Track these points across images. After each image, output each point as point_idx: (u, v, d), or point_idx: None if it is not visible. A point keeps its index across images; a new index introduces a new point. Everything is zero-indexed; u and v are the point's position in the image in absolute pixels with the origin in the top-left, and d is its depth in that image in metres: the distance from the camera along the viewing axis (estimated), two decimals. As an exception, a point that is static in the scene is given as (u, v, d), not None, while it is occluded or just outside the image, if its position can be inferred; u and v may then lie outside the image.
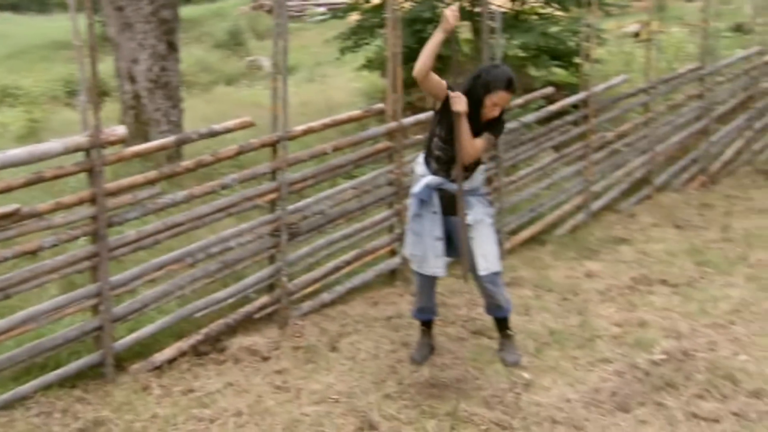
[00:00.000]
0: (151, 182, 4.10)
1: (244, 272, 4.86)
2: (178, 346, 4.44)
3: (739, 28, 14.53)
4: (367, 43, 10.68)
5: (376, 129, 5.41)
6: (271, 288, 4.93)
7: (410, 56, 9.41)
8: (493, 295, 4.26)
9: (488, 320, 4.93)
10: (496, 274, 4.22)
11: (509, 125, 6.12)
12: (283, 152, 4.66)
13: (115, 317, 4.14)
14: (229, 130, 4.45)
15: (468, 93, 4.03)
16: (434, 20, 9.73)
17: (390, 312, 5.11)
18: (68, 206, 3.87)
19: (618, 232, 6.77)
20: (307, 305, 5.08)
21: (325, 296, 5.19)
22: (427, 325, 4.58)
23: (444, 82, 4.03)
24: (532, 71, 10.11)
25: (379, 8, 10.26)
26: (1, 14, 35.68)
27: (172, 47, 8.74)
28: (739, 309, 5.07)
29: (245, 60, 23.18)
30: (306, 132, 4.82)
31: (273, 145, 4.67)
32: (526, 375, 4.25)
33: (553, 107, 6.65)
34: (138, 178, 4.07)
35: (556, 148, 7.12)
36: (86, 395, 4.03)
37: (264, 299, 4.87)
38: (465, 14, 9.87)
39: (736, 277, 5.68)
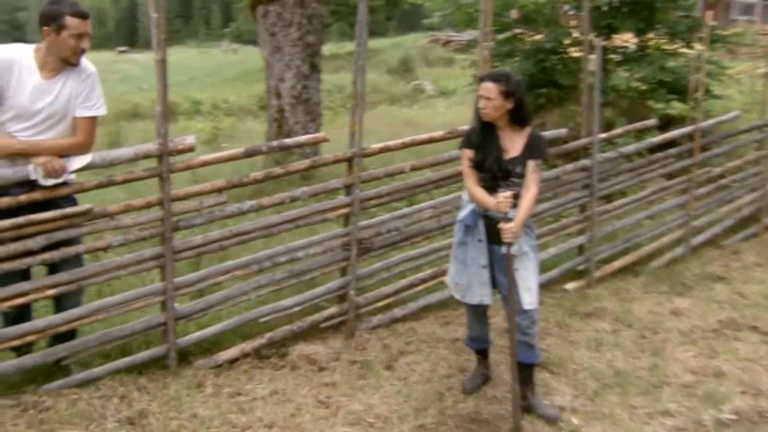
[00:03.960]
0: (218, 190, 3.66)
1: (315, 282, 4.33)
2: (242, 347, 3.99)
3: None
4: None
5: (457, 151, 4.68)
6: (341, 299, 4.37)
7: (531, 83, 8.64)
8: (530, 333, 3.43)
9: (555, 354, 4.12)
10: (536, 310, 3.42)
11: (606, 154, 5.22)
12: (357, 168, 4.08)
13: (178, 315, 3.75)
14: (299, 145, 3.93)
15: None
16: (557, 51, 8.82)
17: (459, 334, 4.40)
18: (137, 209, 3.50)
19: (716, 269, 5.61)
20: (377, 319, 4.48)
21: (397, 311, 4.57)
22: (482, 354, 3.84)
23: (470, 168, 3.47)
24: (652, 104, 8.88)
25: (510, 39, 9.47)
26: (179, 47, 41.10)
27: (315, 68, 8.44)
28: (838, 370, 3.91)
29: (411, 84, 22.80)
30: (382, 150, 4.21)
31: (348, 161, 4.10)
32: (574, 420, 3.42)
33: (655, 139, 5.60)
34: (205, 186, 3.65)
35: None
36: (148, 384, 3.66)
37: (332, 309, 4.32)
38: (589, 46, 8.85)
39: (841, 331, 4.44)
